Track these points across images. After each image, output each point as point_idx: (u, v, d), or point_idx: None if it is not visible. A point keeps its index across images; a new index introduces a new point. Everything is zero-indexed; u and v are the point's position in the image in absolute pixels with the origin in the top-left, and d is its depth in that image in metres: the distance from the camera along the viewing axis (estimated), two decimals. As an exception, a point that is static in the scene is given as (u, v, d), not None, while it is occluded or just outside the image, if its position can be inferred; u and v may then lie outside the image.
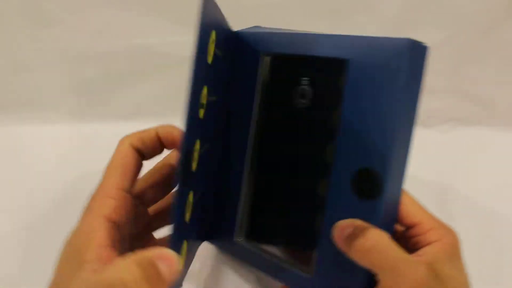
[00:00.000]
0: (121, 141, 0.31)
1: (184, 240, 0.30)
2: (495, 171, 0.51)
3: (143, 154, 0.31)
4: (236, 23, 0.50)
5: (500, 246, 0.34)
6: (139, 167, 0.31)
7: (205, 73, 0.29)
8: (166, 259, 0.24)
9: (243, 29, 0.36)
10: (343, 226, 0.29)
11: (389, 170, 0.29)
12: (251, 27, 0.37)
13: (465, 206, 0.45)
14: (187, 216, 0.30)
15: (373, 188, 0.29)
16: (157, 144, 0.32)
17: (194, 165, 0.30)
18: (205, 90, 0.30)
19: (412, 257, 0.28)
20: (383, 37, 0.29)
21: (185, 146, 0.27)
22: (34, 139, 0.54)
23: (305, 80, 0.34)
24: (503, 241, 0.33)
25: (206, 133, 0.32)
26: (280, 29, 0.36)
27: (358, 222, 0.29)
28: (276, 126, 0.36)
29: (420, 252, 0.29)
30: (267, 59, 0.35)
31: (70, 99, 0.58)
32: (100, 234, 0.27)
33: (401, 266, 0.27)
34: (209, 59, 0.29)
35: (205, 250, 0.43)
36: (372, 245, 0.27)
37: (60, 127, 0.57)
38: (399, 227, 0.32)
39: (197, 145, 0.30)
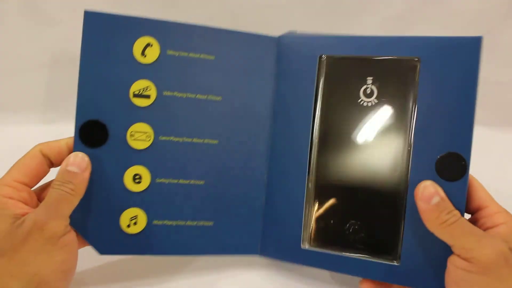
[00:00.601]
0: (34, 146, 0.36)
1: (130, 207, 0.37)
2: (495, 171, 0.51)
3: (51, 161, 0.36)
4: (238, 24, 0.53)
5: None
6: (43, 170, 0.36)
7: (132, 70, 0.37)
8: (71, 164, 0.34)
9: (282, 34, 0.40)
10: (431, 193, 0.33)
11: (470, 152, 0.33)
12: (287, 32, 0.40)
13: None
14: (134, 187, 0.37)
15: (458, 170, 0.33)
16: (65, 154, 0.36)
17: (139, 146, 0.37)
18: (143, 84, 0.37)
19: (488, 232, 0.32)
20: (452, 37, 0.34)
21: (79, 116, 0.36)
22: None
23: (370, 79, 0.37)
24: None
25: (164, 122, 0.38)
26: (319, 33, 0.40)
27: (441, 192, 0.33)
28: (341, 125, 0.38)
29: (491, 231, 0.32)
30: (325, 61, 0.38)
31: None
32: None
33: (482, 234, 0.31)
34: (145, 60, 0.37)
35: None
36: (455, 220, 0.31)
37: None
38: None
39: (140, 128, 0.37)
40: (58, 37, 0.55)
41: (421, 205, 0.33)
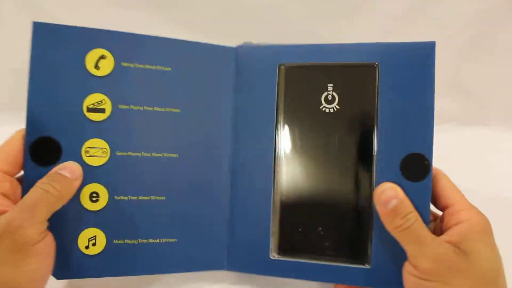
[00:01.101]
0: (16, 132, 0.34)
1: (89, 227, 0.35)
2: (495, 171, 0.50)
3: None
4: (238, 24, 0.54)
5: (499, 245, 0.33)
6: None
7: (85, 83, 0.35)
8: (64, 168, 0.33)
9: (241, 44, 0.39)
10: (388, 197, 0.33)
11: (432, 151, 0.34)
12: (244, 43, 0.40)
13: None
14: (91, 205, 0.35)
15: (422, 170, 0.34)
16: None
17: (94, 162, 0.35)
18: (97, 97, 0.35)
19: (438, 237, 0.32)
20: (408, 42, 0.36)
21: (29, 133, 0.34)
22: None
23: (330, 86, 0.37)
24: (502, 240, 0.33)
25: (120, 137, 0.36)
26: (276, 43, 0.39)
27: (400, 193, 0.33)
28: (303, 132, 0.38)
29: (449, 231, 0.32)
30: (285, 69, 0.38)
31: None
32: None
33: (427, 242, 0.31)
34: (99, 73, 0.35)
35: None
36: (408, 225, 0.31)
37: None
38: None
39: (96, 144, 0.35)
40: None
41: (379, 208, 0.33)
